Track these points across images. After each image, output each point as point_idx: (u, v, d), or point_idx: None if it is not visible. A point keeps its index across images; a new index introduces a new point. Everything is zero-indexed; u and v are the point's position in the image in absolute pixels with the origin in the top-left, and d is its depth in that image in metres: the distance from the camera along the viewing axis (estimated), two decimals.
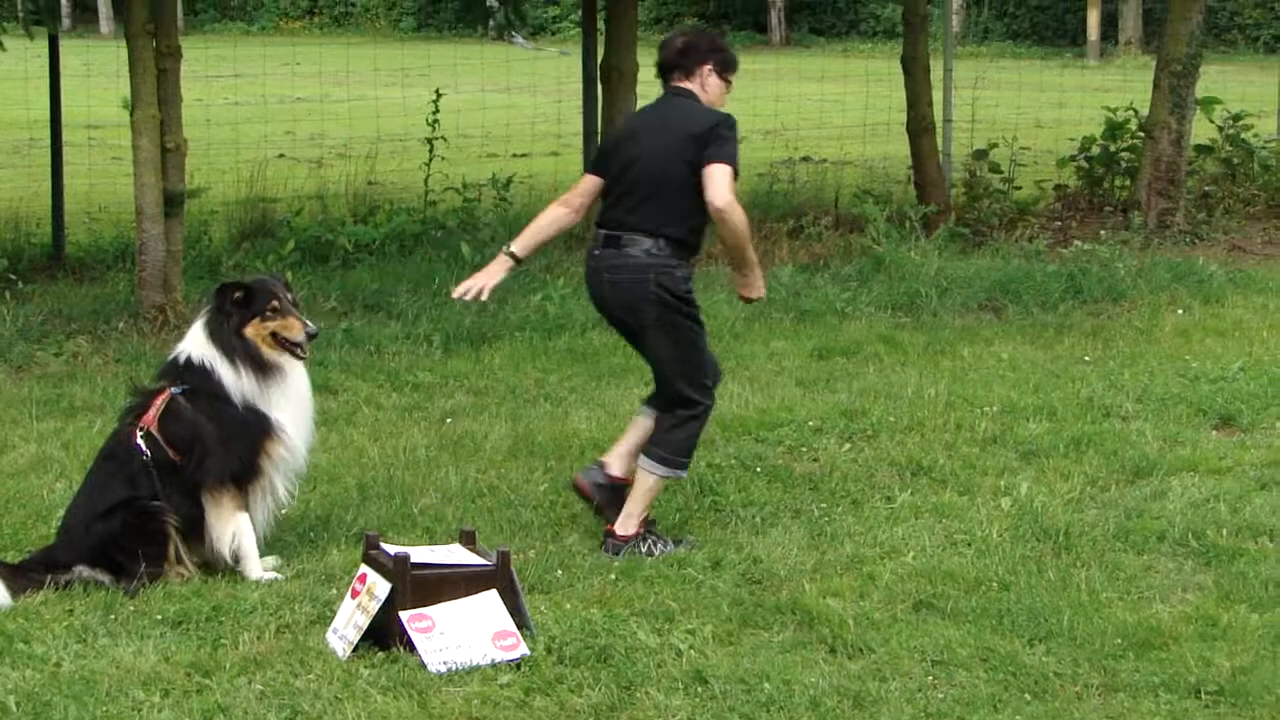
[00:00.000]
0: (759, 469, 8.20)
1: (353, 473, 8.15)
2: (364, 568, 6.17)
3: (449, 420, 9.13)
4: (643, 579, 6.71)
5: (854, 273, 12.70)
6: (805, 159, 17.91)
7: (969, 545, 7.15)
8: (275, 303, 6.93)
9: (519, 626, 6.03)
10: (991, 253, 13.43)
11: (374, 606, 5.98)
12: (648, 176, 7.09)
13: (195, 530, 6.79)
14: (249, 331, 6.89)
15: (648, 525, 7.21)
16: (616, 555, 7.05)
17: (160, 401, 6.84)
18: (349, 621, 6.04)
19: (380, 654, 5.94)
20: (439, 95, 14.08)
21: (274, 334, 6.91)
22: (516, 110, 20.71)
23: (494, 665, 5.87)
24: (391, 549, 6.17)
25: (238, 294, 6.93)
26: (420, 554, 6.19)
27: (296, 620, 6.29)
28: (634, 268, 7.09)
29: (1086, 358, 10.47)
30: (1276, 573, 6.79)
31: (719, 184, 6.96)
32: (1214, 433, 8.92)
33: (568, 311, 11.33)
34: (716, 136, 7.02)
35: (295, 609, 6.37)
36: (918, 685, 5.81)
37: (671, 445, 7.20)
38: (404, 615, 5.95)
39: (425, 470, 8.18)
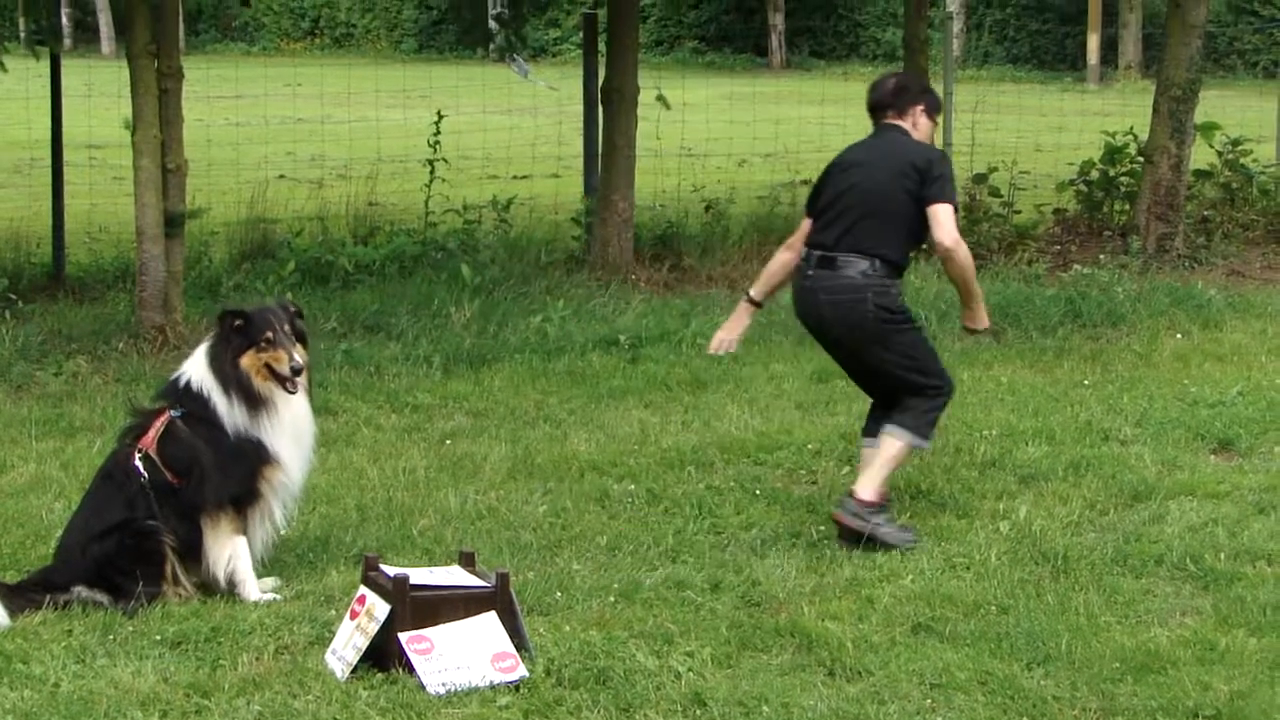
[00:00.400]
0: (758, 491, 8.20)
1: (352, 494, 8.16)
2: (363, 589, 6.17)
3: (448, 442, 9.14)
4: (641, 601, 6.71)
5: None
6: (805, 182, 17.77)
7: (967, 569, 7.15)
8: (270, 333, 6.84)
9: (518, 648, 6.03)
10: (991, 276, 13.41)
11: (373, 628, 5.98)
12: (863, 201, 7.45)
13: (192, 551, 6.78)
14: (245, 362, 6.82)
15: (885, 501, 7.42)
16: (856, 519, 7.27)
17: (159, 424, 6.83)
18: (348, 643, 6.04)
19: (379, 675, 5.94)
20: (440, 117, 14.09)
21: (267, 365, 6.86)
22: (518, 132, 20.72)
23: (493, 687, 5.87)
24: (390, 570, 6.17)
25: (237, 322, 6.88)
26: (419, 575, 6.19)
27: (295, 641, 6.29)
28: (851, 288, 7.41)
29: (1085, 382, 10.47)
30: (1275, 597, 6.79)
31: (945, 224, 7.36)
32: (1212, 457, 8.91)
33: (567, 333, 11.34)
34: (937, 175, 7.42)
35: (294, 630, 6.37)
36: (916, 708, 5.81)
37: (917, 416, 7.49)
38: (403, 637, 5.95)
39: (424, 492, 8.18)
